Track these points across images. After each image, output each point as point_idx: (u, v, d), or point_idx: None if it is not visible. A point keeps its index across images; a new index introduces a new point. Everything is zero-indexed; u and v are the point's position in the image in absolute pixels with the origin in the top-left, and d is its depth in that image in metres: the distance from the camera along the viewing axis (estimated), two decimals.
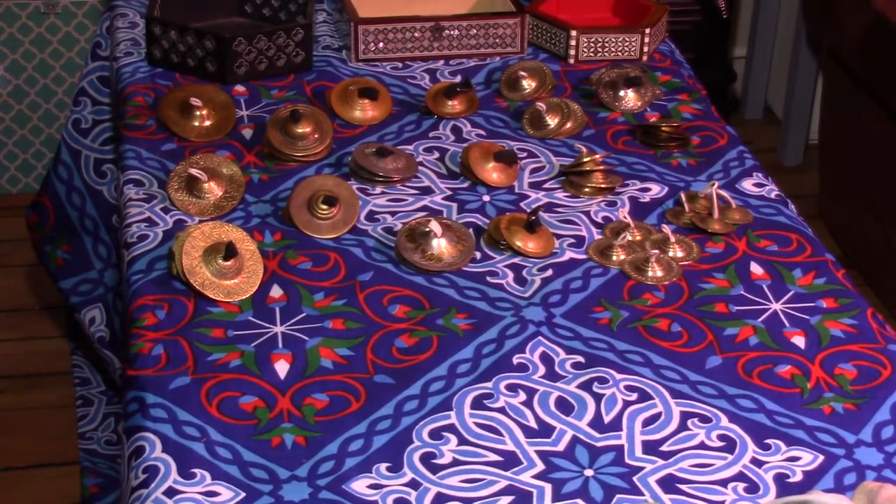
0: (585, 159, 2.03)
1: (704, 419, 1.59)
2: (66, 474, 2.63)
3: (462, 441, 1.55)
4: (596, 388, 1.63)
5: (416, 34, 2.37)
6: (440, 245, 1.84)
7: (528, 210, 1.95)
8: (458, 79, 2.30)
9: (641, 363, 1.68)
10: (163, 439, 1.53)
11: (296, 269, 1.83)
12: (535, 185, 2.04)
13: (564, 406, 1.61)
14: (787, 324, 1.76)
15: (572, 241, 1.91)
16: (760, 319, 1.76)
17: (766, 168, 2.17)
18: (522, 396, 1.62)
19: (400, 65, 2.37)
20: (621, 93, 2.25)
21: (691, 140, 2.16)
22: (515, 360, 1.68)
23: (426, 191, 2.01)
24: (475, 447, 1.54)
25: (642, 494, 1.48)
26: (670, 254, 1.88)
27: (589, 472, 1.51)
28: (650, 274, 1.83)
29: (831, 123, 3.43)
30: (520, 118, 2.20)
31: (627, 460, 1.53)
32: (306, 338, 1.70)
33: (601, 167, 2.03)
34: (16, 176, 3.48)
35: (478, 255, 1.87)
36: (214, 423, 1.56)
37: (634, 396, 1.62)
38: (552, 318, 1.75)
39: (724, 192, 1.99)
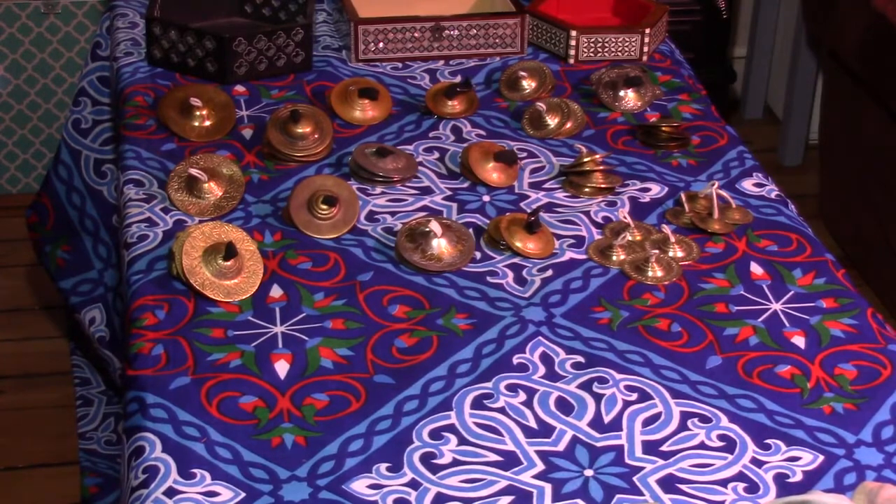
0: (585, 159, 2.03)
1: (704, 419, 1.59)
2: (66, 474, 2.63)
3: (462, 441, 1.55)
4: (596, 388, 1.63)
5: (416, 34, 2.37)
6: (440, 245, 1.84)
7: (528, 210, 1.95)
8: (458, 79, 2.30)
9: (641, 363, 1.68)
10: (163, 439, 1.53)
11: (296, 269, 1.83)
12: (535, 185, 2.04)
13: (564, 406, 1.61)
14: (787, 324, 1.75)
15: (572, 241, 1.91)
16: (760, 319, 1.76)
17: (766, 168, 2.17)
18: (522, 396, 1.62)
19: (400, 65, 2.37)
20: (621, 93, 2.25)
21: (691, 140, 2.16)
22: (515, 360, 1.68)
23: (426, 191, 2.01)
24: (475, 447, 1.54)
25: (642, 494, 1.48)
26: (670, 254, 1.88)
27: (589, 472, 1.51)
28: (650, 274, 1.83)
29: (831, 123, 3.43)
30: (520, 118, 2.20)
31: (627, 460, 1.53)
32: (306, 338, 1.70)
33: (601, 167, 2.03)
34: (16, 176, 3.48)
35: (478, 255, 1.87)
36: (214, 423, 1.56)
37: (634, 396, 1.62)
38: (552, 318, 1.75)
39: (724, 192, 1.99)
